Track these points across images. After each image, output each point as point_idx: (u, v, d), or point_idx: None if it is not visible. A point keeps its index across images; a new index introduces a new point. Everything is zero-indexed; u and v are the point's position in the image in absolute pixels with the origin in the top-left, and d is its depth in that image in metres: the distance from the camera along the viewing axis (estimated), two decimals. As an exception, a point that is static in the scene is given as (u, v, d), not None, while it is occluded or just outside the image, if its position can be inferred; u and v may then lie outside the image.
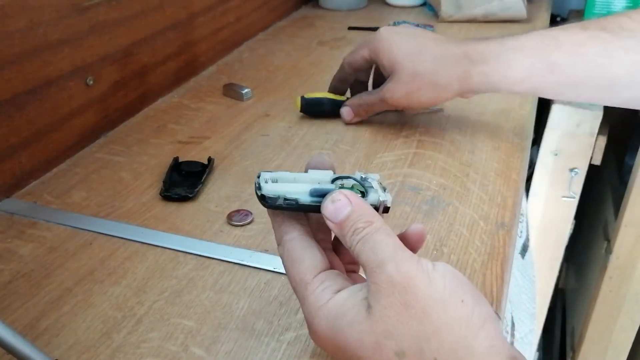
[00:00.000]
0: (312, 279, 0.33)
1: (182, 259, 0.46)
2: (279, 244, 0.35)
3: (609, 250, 1.12)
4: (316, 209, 0.34)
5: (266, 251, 0.47)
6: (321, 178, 0.37)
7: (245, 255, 0.46)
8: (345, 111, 0.66)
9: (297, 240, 0.34)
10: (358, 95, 0.66)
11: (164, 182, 0.56)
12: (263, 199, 0.35)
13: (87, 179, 0.58)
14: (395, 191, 0.55)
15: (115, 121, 0.68)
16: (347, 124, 0.67)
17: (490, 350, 0.28)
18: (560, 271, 1.22)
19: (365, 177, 0.37)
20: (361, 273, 0.39)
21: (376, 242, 0.30)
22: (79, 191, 0.56)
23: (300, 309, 0.41)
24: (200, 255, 0.47)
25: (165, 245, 0.48)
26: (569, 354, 1.30)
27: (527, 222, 1.01)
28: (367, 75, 0.68)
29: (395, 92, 0.59)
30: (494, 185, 0.56)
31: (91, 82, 0.63)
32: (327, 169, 0.37)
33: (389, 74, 0.60)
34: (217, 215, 0.52)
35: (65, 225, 0.51)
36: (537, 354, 1.33)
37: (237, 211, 0.52)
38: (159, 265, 0.46)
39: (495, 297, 0.42)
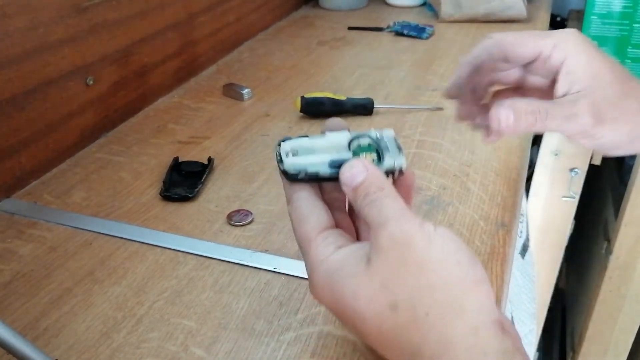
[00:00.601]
0: (315, 236, 0.34)
1: (182, 259, 0.46)
2: (288, 203, 0.36)
3: (609, 250, 1.12)
4: (336, 179, 0.36)
5: (266, 251, 0.47)
6: (338, 141, 0.37)
7: (245, 255, 0.46)
8: (503, 115, 0.40)
9: (304, 199, 0.35)
10: (528, 100, 0.42)
11: (164, 182, 0.56)
12: (285, 174, 0.36)
13: (87, 179, 0.58)
14: (395, 191, 0.55)
15: (115, 121, 0.68)
16: (489, 141, 0.44)
17: (479, 309, 0.29)
18: (560, 271, 1.22)
19: (380, 136, 0.38)
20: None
21: (383, 204, 0.32)
22: (79, 191, 0.56)
23: (300, 309, 0.41)
24: (200, 255, 0.47)
25: (165, 245, 0.48)
26: (569, 354, 1.30)
27: (527, 222, 1.01)
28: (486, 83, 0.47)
29: (596, 107, 0.41)
30: (494, 185, 0.56)
31: (91, 82, 0.63)
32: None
33: (579, 88, 0.42)
34: (217, 215, 0.52)
35: (65, 225, 0.51)
36: (537, 354, 1.33)
37: (237, 211, 0.52)
38: (159, 265, 0.46)
39: (495, 297, 0.42)
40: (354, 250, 0.33)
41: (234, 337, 0.39)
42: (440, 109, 0.71)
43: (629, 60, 0.94)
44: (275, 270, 0.45)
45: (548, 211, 1.09)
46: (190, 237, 0.49)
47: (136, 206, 0.53)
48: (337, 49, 0.94)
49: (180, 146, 0.64)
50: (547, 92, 0.44)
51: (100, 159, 0.62)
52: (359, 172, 0.34)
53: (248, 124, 0.69)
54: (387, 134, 0.38)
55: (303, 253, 0.35)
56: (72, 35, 0.60)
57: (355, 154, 0.37)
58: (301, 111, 0.69)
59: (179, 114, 0.72)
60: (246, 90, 0.75)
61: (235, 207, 0.52)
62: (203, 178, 0.56)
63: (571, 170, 1.04)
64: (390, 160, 0.37)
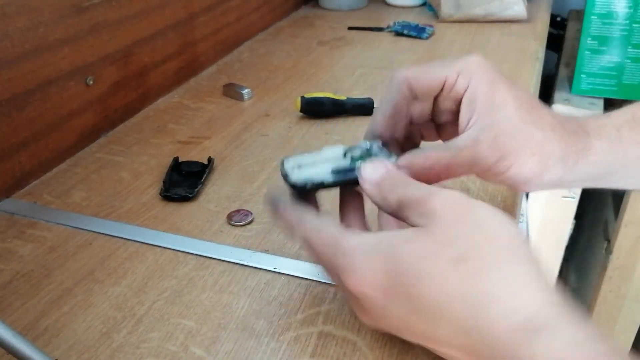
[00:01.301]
0: (343, 233, 0.33)
1: (182, 259, 0.46)
2: (293, 230, 0.36)
3: (609, 250, 1.12)
4: (340, 184, 0.39)
5: (266, 251, 0.47)
6: (334, 154, 0.41)
7: (245, 255, 0.46)
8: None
9: (309, 220, 0.35)
10: (416, 153, 0.40)
11: (164, 182, 0.56)
12: (294, 187, 0.39)
13: (87, 179, 0.58)
14: (395, 191, 0.55)
15: (115, 121, 0.68)
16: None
17: (534, 259, 0.30)
18: (561, 271, 1.22)
19: (370, 145, 0.41)
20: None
21: (416, 183, 0.33)
22: (79, 191, 0.56)
23: (300, 309, 0.41)
24: (200, 255, 0.47)
25: (165, 245, 0.48)
26: (569, 354, 1.30)
27: (527, 222, 1.01)
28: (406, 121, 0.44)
29: (498, 145, 0.39)
30: (494, 185, 0.56)
31: (91, 82, 0.63)
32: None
33: (479, 118, 0.40)
34: (217, 215, 0.52)
35: (65, 225, 0.51)
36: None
37: (237, 211, 0.52)
38: (159, 265, 0.46)
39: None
40: (393, 232, 0.32)
41: (234, 337, 0.39)
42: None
43: (629, 60, 0.94)
44: (275, 270, 0.45)
45: (548, 211, 1.09)
46: (190, 237, 0.49)
47: (136, 206, 0.53)
48: (337, 49, 0.94)
49: (180, 146, 0.64)
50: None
51: (100, 159, 0.62)
52: (380, 166, 0.35)
53: (248, 124, 0.69)
54: (376, 144, 0.41)
55: (332, 264, 0.32)
56: (72, 35, 0.60)
57: (353, 160, 0.40)
58: (301, 111, 0.69)
59: (179, 114, 0.72)
60: (246, 90, 0.75)
61: (235, 207, 0.52)
62: (203, 178, 0.56)
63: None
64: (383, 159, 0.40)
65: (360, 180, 0.36)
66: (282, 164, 0.40)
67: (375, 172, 0.35)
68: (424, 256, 0.29)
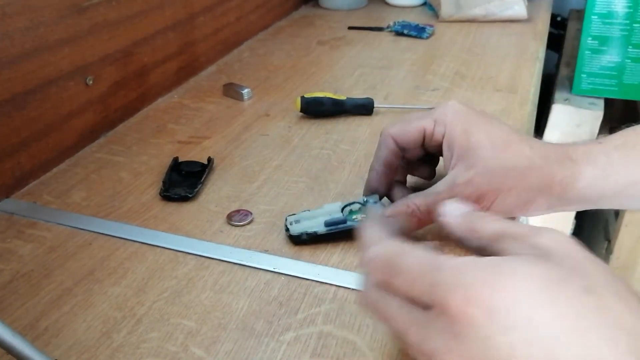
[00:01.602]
0: (437, 256, 0.28)
1: (182, 259, 0.46)
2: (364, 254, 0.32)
3: (609, 250, 1.12)
4: (333, 236, 0.46)
5: (266, 251, 0.47)
6: (332, 209, 0.48)
7: (245, 256, 0.46)
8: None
9: (384, 246, 0.30)
10: (403, 201, 0.44)
11: (163, 182, 0.56)
12: (291, 238, 0.47)
13: (87, 179, 0.58)
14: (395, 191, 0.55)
15: (115, 121, 0.68)
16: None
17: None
18: (561, 271, 1.22)
19: (366, 200, 0.48)
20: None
21: (511, 223, 0.30)
22: (78, 191, 0.56)
23: (300, 309, 0.41)
24: (200, 256, 0.47)
25: (165, 246, 0.48)
26: (569, 354, 1.30)
27: (527, 222, 1.01)
28: (397, 170, 0.49)
29: (475, 185, 0.41)
30: (494, 185, 0.56)
31: (91, 82, 0.63)
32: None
33: (457, 161, 0.43)
34: (217, 215, 0.52)
35: (65, 225, 0.51)
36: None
37: (237, 211, 0.52)
38: (158, 265, 0.46)
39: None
40: (501, 257, 0.28)
41: (234, 337, 0.39)
42: (440, 108, 0.71)
43: (630, 60, 0.94)
44: (275, 270, 0.45)
45: (548, 211, 1.09)
46: (190, 237, 0.49)
47: (136, 206, 0.53)
48: (337, 49, 0.94)
49: (180, 146, 0.64)
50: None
51: (100, 158, 0.62)
52: (465, 205, 0.33)
53: (248, 124, 0.69)
54: (372, 198, 0.48)
55: (428, 275, 0.27)
56: (72, 35, 0.60)
57: (348, 215, 0.47)
58: (301, 111, 0.69)
59: (179, 113, 0.72)
60: (246, 90, 0.75)
61: (235, 207, 0.52)
62: (203, 178, 0.56)
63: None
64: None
65: (442, 212, 0.33)
66: (286, 219, 0.48)
67: (459, 207, 0.32)
68: (556, 281, 0.25)
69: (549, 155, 0.42)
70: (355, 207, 0.48)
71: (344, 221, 0.46)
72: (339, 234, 0.46)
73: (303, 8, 1.19)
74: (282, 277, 0.44)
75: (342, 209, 0.48)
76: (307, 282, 0.43)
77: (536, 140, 0.44)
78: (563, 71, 1.10)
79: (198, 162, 0.59)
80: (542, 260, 0.26)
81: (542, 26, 1.05)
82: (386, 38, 1.00)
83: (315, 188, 0.55)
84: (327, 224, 0.46)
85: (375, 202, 0.48)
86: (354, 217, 0.47)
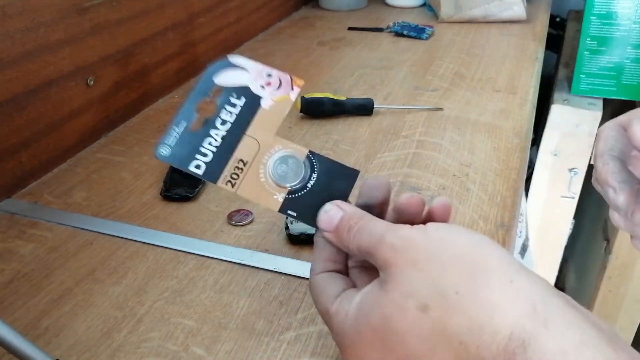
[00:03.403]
0: (331, 306, 0.32)
1: (183, 259, 0.46)
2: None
3: (608, 250, 1.12)
4: None
5: (266, 251, 0.47)
6: None
7: (246, 255, 0.46)
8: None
9: (320, 275, 0.34)
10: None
11: (164, 182, 0.56)
12: (290, 237, 0.47)
13: (88, 179, 0.58)
14: (395, 191, 0.55)
15: (115, 121, 0.68)
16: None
17: (501, 261, 0.28)
18: (560, 271, 1.23)
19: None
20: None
21: (370, 227, 0.32)
22: (79, 191, 0.56)
23: (300, 308, 0.41)
24: (200, 255, 0.47)
25: (165, 245, 0.48)
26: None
27: (526, 222, 1.01)
28: None
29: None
30: (493, 185, 0.56)
31: (92, 82, 0.64)
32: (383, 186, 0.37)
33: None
34: (217, 215, 0.52)
35: (65, 225, 0.51)
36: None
37: (238, 211, 0.52)
38: (159, 265, 0.46)
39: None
40: (367, 289, 0.31)
41: (234, 337, 0.39)
42: (440, 109, 0.71)
43: (628, 61, 0.94)
44: (276, 270, 0.45)
45: (547, 211, 1.09)
46: (191, 237, 0.49)
47: (137, 206, 0.53)
48: (337, 50, 0.94)
49: (180, 146, 0.64)
50: None
51: (100, 159, 0.62)
52: (335, 213, 0.34)
53: (248, 124, 0.69)
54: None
55: (328, 327, 0.34)
56: (73, 35, 0.60)
57: None
58: (301, 111, 0.69)
59: (179, 114, 0.72)
60: (246, 91, 0.75)
61: (235, 207, 0.52)
62: (203, 178, 0.56)
63: (570, 170, 1.04)
64: None
65: (319, 229, 0.35)
66: (286, 217, 0.47)
67: (332, 220, 0.33)
68: (390, 315, 0.29)
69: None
70: None
71: None
72: None
73: (303, 9, 1.19)
74: (283, 277, 0.44)
75: None
76: (307, 282, 0.43)
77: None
78: (562, 72, 1.10)
79: (198, 162, 0.59)
80: (382, 291, 0.30)
81: (541, 27, 1.05)
82: (386, 39, 1.00)
83: (315, 188, 0.55)
84: None
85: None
86: None
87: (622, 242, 1.09)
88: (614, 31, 0.93)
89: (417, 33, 0.99)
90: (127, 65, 0.69)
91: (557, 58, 1.29)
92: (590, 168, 1.03)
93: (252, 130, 0.35)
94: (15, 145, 0.55)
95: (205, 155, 0.35)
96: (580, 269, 1.38)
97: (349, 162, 0.60)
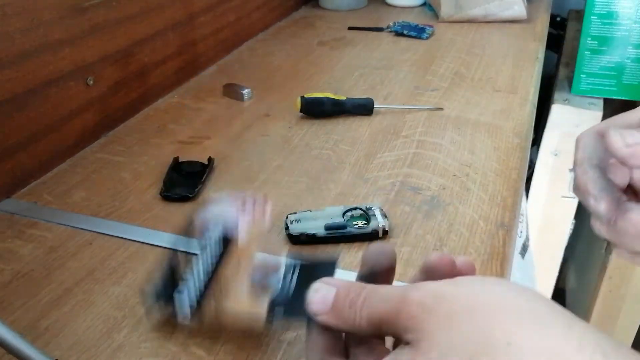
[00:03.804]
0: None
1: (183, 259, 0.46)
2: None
3: (608, 250, 1.12)
4: (331, 240, 0.46)
5: (266, 251, 0.47)
6: (334, 212, 0.48)
7: (246, 255, 0.46)
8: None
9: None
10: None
11: (164, 182, 0.56)
12: (290, 237, 0.47)
13: (88, 179, 0.58)
14: (395, 191, 0.55)
15: (115, 121, 0.68)
16: None
17: (552, 307, 0.25)
18: (560, 271, 1.22)
19: (369, 207, 0.49)
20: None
21: (381, 293, 0.28)
22: (79, 191, 0.56)
23: (301, 309, 0.41)
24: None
25: (165, 245, 0.48)
26: (569, 354, 1.30)
27: (527, 222, 1.01)
28: None
29: None
30: (493, 185, 0.56)
31: (91, 82, 0.64)
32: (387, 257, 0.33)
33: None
34: (217, 215, 0.52)
35: (65, 225, 0.51)
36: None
37: (237, 211, 0.52)
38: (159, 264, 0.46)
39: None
40: (390, 359, 0.27)
41: (234, 337, 0.39)
42: (440, 109, 0.71)
43: (629, 60, 0.94)
44: (276, 270, 0.45)
45: (548, 211, 1.09)
46: (191, 237, 0.49)
47: (136, 206, 0.53)
48: (337, 49, 0.94)
49: (180, 146, 0.64)
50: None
51: (100, 159, 0.62)
52: (327, 290, 0.29)
53: (248, 124, 0.69)
54: (375, 205, 0.49)
55: None
56: (73, 35, 0.60)
57: (349, 220, 0.47)
58: (301, 111, 0.69)
59: (179, 114, 0.72)
60: (246, 90, 0.75)
61: (235, 207, 0.52)
62: (203, 178, 0.56)
63: (571, 170, 1.04)
64: (375, 222, 0.47)
65: (310, 315, 0.30)
66: (286, 217, 0.48)
67: (326, 299, 0.29)
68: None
69: None
70: (357, 212, 0.48)
71: (344, 226, 0.47)
72: (338, 238, 0.47)
73: (303, 9, 1.19)
74: (282, 277, 0.44)
75: (344, 214, 0.48)
76: (307, 282, 0.43)
77: None
78: (562, 71, 1.10)
79: (198, 162, 0.59)
80: (417, 355, 0.25)
81: (542, 26, 1.05)
82: (386, 38, 1.00)
83: (315, 188, 0.55)
84: (327, 228, 0.47)
85: (380, 212, 0.48)
86: (354, 223, 0.48)
87: (622, 242, 1.09)
88: (615, 31, 0.93)
89: (417, 33, 0.99)
90: (127, 65, 0.69)
91: (557, 58, 1.28)
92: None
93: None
94: (14, 145, 0.55)
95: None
96: (580, 269, 1.38)
97: (349, 162, 0.60)
